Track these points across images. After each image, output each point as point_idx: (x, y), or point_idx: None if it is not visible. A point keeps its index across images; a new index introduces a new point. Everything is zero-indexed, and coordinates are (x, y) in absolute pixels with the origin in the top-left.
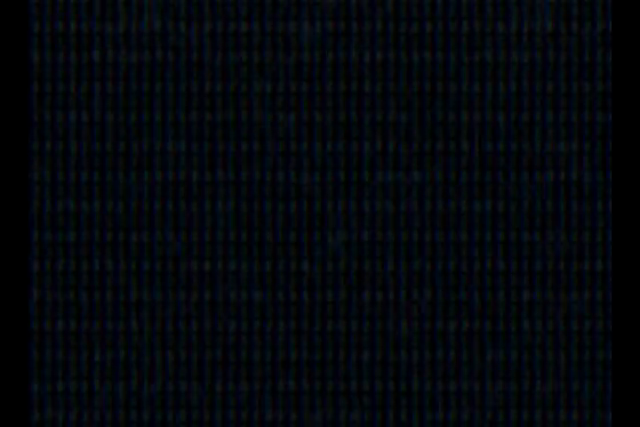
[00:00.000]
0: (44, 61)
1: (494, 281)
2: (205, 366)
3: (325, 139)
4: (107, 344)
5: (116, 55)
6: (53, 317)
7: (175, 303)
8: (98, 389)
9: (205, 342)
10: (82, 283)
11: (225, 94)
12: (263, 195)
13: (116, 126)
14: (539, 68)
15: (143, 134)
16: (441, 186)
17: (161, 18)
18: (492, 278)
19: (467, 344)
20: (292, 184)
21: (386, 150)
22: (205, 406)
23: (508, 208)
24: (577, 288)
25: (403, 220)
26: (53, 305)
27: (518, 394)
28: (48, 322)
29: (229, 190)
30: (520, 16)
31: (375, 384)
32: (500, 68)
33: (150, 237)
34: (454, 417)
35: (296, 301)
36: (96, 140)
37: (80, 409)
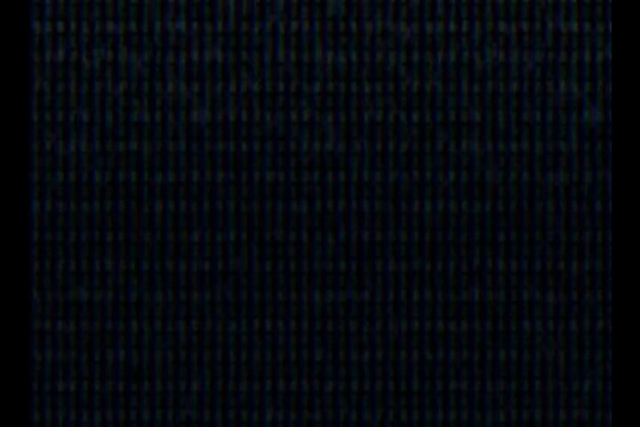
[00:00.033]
0: (44, 61)
1: (494, 281)
2: (205, 366)
3: (325, 138)
4: (107, 344)
5: (116, 55)
6: (53, 317)
7: (175, 303)
8: (98, 389)
9: (205, 342)
10: (82, 283)
11: (225, 94)
12: (263, 195)
13: (115, 126)
14: (539, 69)
15: (143, 134)
16: (441, 186)
17: (161, 18)
18: (492, 278)
19: (467, 344)
20: (292, 184)
21: (386, 150)
22: (205, 406)
23: (507, 208)
24: (577, 288)
25: (404, 220)
26: (53, 305)
27: (518, 394)
28: (48, 322)
29: (229, 190)
30: (520, 16)
31: (375, 384)
32: (500, 68)
33: (150, 237)
34: (454, 417)
35: (296, 301)
36: (96, 140)
37: (80, 409)
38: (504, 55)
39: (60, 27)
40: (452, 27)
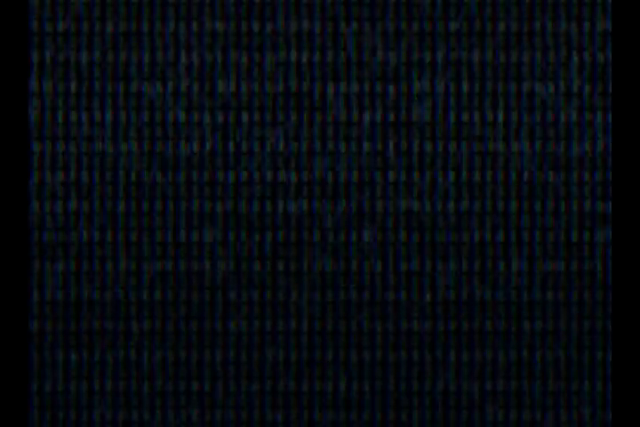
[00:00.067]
0: (44, 61)
1: (495, 281)
2: (205, 366)
3: (325, 138)
4: (107, 344)
5: (117, 55)
6: (53, 317)
7: (175, 303)
8: (98, 389)
9: (205, 342)
10: (82, 283)
11: (225, 94)
12: (264, 195)
13: (115, 126)
14: (538, 69)
15: (143, 134)
16: (441, 186)
17: (161, 17)
18: (492, 278)
19: (467, 344)
20: (291, 184)
21: (385, 150)
22: (206, 406)
23: (507, 209)
24: (577, 288)
25: (403, 220)
26: (53, 305)
27: (518, 394)
28: (48, 322)
29: (229, 190)
30: (521, 16)
31: (375, 384)
32: (499, 68)
33: (150, 238)
34: (454, 417)
35: (295, 301)
36: (96, 140)
37: (80, 409)
38: (504, 55)
39: (60, 27)
40: (452, 27)
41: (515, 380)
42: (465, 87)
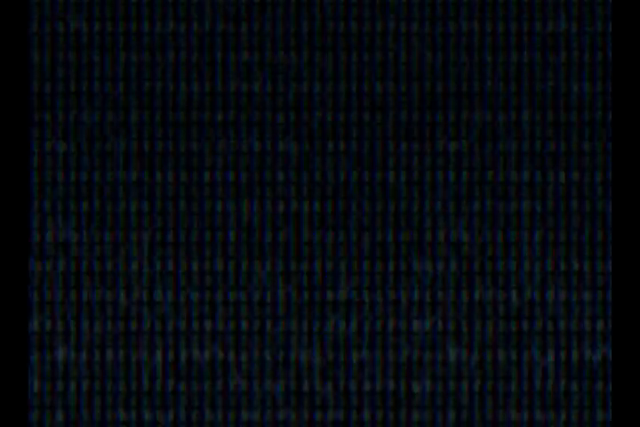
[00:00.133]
0: (44, 61)
1: (495, 281)
2: (205, 364)
3: (325, 139)
4: (106, 344)
5: (116, 55)
6: (53, 317)
7: (175, 303)
8: (98, 389)
9: (205, 342)
10: (82, 283)
11: (225, 94)
12: (264, 195)
13: (115, 126)
14: (538, 69)
15: (143, 134)
16: (441, 186)
17: (161, 17)
18: (492, 278)
19: (467, 344)
20: (292, 184)
21: (385, 150)
22: (205, 406)
23: (507, 208)
24: (577, 288)
25: (403, 220)
26: (53, 305)
27: (518, 394)
28: (48, 321)
29: (229, 190)
30: (521, 16)
31: (375, 384)
32: (499, 68)
33: (150, 238)
34: (454, 417)
35: (296, 299)
36: (96, 140)
37: (80, 409)
38: (504, 55)
39: (60, 27)
40: (452, 27)
41: (515, 380)
42: (464, 87)
